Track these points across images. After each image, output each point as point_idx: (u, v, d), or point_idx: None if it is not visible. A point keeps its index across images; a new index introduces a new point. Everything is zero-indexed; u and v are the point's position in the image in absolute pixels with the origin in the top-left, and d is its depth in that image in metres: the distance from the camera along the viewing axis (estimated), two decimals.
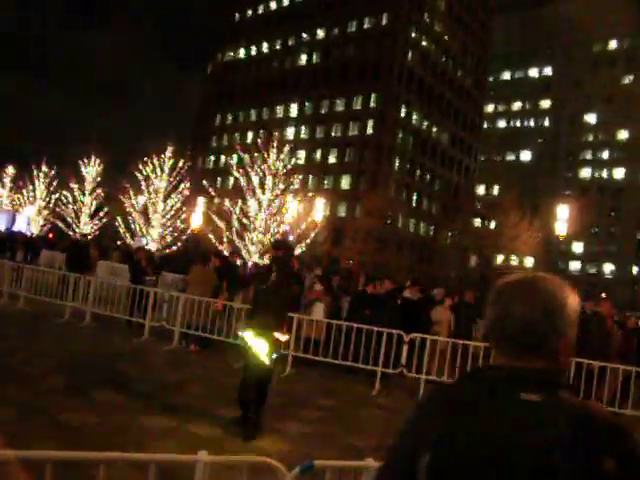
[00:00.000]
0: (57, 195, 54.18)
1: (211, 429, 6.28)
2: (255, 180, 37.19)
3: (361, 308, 11.40)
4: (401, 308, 11.15)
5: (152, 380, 8.28)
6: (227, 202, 40.16)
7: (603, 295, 46.05)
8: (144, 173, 43.12)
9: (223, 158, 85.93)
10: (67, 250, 13.51)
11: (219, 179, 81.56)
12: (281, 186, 37.68)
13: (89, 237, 47.48)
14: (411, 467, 1.36)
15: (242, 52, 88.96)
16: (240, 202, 40.27)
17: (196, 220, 33.13)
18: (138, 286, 11.77)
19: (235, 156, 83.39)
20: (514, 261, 60.85)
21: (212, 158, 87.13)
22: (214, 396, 7.93)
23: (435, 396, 1.50)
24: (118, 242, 42.77)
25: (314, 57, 79.43)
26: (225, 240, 36.36)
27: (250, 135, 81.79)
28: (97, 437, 5.49)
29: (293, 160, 40.25)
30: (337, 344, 10.34)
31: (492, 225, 59.42)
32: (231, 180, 79.49)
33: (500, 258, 60.17)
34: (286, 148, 38.65)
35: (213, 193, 43.32)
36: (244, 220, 36.67)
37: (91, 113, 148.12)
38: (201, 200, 50.64)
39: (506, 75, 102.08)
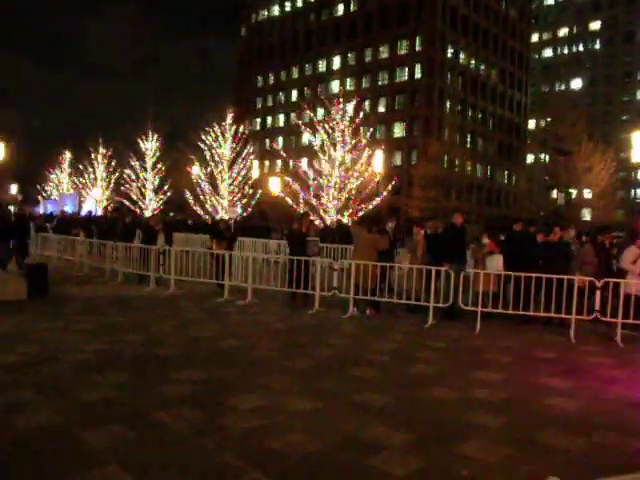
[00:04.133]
0: (118, 175, 54.73)
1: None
2: (325, 137, 36.72)
3: (534, 257, 11.07)
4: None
5: (377, 352, 8.16)
6: (290, 163, 40.12)
7: None
8: (207, 142, 42.94)
9: (269, 119, 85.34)
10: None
11: (267, 141, 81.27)
12: (351, 140, 37.12)
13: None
14: None
15: (276, 9, 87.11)
16: (306, 161, 40.16)
17: (274, 184, 32.98)
18: (302, 258, 11.64)
19: (282, 116, 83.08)
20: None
21: (258, 120, 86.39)
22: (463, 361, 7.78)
23: None
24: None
25: (351, 5, 77.20)
26: (302, 201, 36.19)
27: (294, 93, 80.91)
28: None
29: (362, 114, 39.26)
30: (526, 296, 10.05)
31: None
32: (280, 140, 79.32)
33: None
34: (353, 101, 37.94)
35: (285, 154, 43.04)
36: (319, 179, 36.42)
37: (128, 91, 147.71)
38: (255, 163, 50.34)
39: (550, 0, 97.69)
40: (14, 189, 57.02)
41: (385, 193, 36.15)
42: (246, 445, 4.60)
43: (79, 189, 59.05)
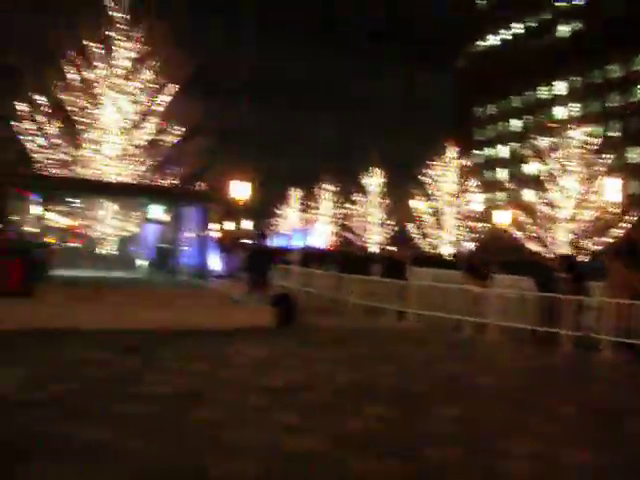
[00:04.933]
0: (342, 209, 57.41)
1: None
2: (552, 166, 34.98)
3: None
4: None
5: None
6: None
7: None
8: (431, 177, 43.26)
9: (490, 150, 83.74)
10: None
11: (488, 172, 79.39)
12: (581, 169, 34.88)
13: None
14: None
15: (492, 38, 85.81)
16: (531, 192, 38.62)
17: (500, 217, 32.13)
18: (548, 294, 11.06)
19: (502, 146, 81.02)
20: None
21: (477, 152, 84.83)
22: None
23: None
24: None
25: (574, 25, 72.95)
26: (528, 234, 34.64)
27: (516, 122, 78.66)
28: None
29: (591, 139, 36.70)
30: None
31: None
32: (502, 171, 77.26)
33: None
34: (581, 127, 35.80)
35: (508, 186, 41.89)
36: (549, 211, 34.67)
37: (348, 131, 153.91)
38: (477, 196, 49.18)
39: None
40: (250, 225, 62.50)
41: (626, 225, 33.23)
42: None
43: (306, 224, 63.15)
